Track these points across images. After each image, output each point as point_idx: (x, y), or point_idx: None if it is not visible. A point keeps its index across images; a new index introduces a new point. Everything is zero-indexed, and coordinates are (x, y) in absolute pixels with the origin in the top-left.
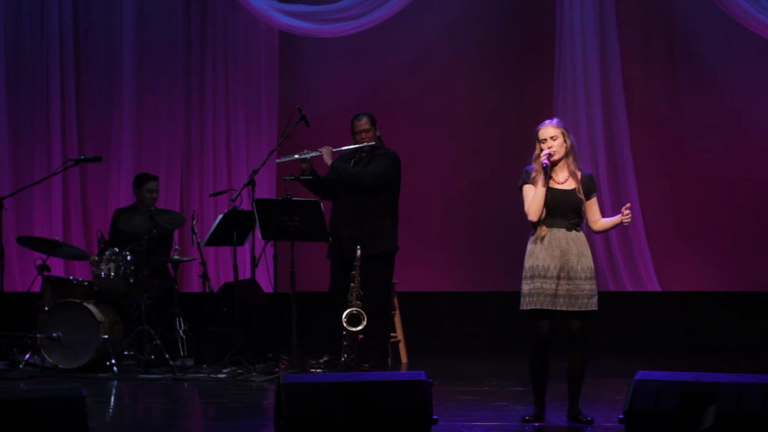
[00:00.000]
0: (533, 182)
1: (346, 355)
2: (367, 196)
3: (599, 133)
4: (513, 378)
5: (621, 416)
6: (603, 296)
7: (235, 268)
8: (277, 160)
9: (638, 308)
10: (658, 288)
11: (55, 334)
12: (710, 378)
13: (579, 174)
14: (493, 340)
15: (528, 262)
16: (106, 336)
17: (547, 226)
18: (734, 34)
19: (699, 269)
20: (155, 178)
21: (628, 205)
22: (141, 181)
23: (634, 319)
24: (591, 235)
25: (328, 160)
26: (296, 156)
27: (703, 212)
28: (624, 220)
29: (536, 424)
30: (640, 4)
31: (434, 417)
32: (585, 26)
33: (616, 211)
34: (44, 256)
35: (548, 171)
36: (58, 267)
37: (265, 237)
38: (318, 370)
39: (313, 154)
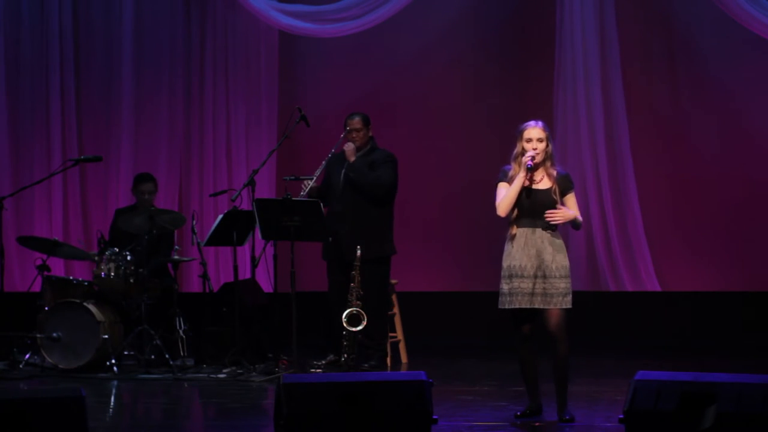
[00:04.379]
0: (509, 181)
1: (345, 356)
2: (367, 200)
3: (599, 133)
4: (512, 378)
5: (621, 416)
6: (603, 296)
7: (235, 268)
8: (284, 178)
9: (638, 308)
10: (658, 288)
11: (55, 334)
12: (710, 378)
13: (555, 174)
14: (492, 340)
15: (505, 262)
16: (106, 336)
17: (522, 226)
18: (734, 34)
19: (699, 269)
20: (151, 179)
21: (549, 212)
22: (137, 181)
23: (634, 319)
24: (589, 235)
25: (352, 157)
26: (309, 185)
27: (703, 212)
28: (552, 223)
29: (536, 424)
30: (640, 4)
31: (434, 417)
32: (585, 26)
33: (616, 211)
34: (44, 256)
35: (531, 171)
36: (58, 267)
37: (265, 237)
38: (318, 371)
39: (314, 176)
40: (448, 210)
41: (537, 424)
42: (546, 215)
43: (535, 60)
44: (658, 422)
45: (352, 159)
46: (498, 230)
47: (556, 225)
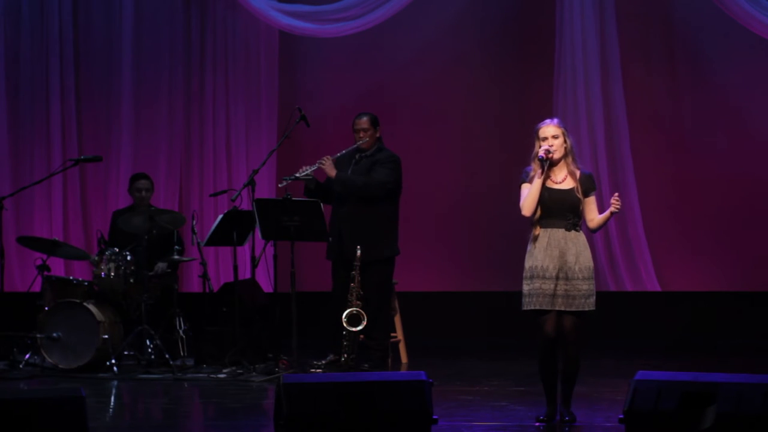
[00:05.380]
0: (530, 181)
1: (346, 355)
2: (370, 201)
3: (599, 133)
4: (513, 378)
5: (621, 416)
6: (603, 296)
7: (235, 268)
8: (279, 185)
9: (638, 308)
10: (658, 288)
11: (55, 334)
12: (710, 378)
13: (578, 173)
14: (493, 340)
15: (527, 263)
16: (106, 336)
17: (545, 227)
18: (734, 34)
19: (699, 269)
20: (145, 177)
21: (616, 194)
22: (132, 180)
23: (634, 319)
24: (592, 234)
25: (332, 172)
26: (297, 175)
27: (703, 212)
28: (613, 209)
29: (536, 424)
30: (640, 4)
31: (434, 417)
32: (585, 26)
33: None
34: (44, 256)
35: (545, 164)
36: (58, 267)
37: (265, 237)
38: (318, 371)
39: (314, 168)
40: (448, 209)
41: (537, 424)
42: (613, 200)
43: (535, 60)
44: (658, 422)
45: (333, 173)
46: (498, 230)
47: (580, 226)
